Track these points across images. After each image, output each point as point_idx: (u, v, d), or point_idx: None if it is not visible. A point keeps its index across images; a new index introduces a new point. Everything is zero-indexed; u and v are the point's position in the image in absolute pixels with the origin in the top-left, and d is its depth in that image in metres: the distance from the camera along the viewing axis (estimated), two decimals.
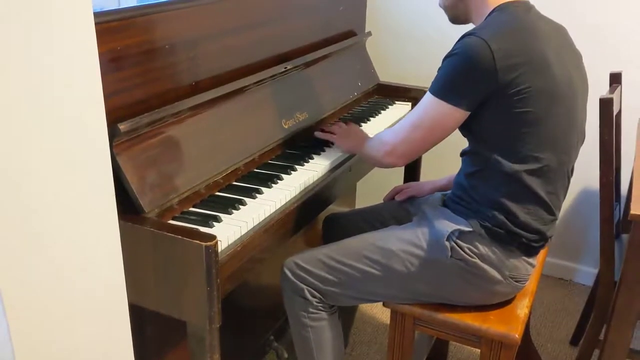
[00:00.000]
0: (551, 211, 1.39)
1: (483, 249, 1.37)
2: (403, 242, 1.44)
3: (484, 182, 1.38)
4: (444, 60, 1.35)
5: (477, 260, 1.37)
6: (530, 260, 1.43)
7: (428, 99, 1.36)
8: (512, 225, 1.35)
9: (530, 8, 1.39)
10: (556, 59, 1.32)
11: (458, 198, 1.45)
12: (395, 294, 1.46)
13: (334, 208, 2.05)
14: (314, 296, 1.48)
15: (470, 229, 1.37)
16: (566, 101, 1.35)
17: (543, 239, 1.41)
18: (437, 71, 1.36)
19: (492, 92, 1.29)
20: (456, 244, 1.38)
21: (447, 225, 1.39)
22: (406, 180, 2.22)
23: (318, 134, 1.76)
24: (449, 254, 1.38)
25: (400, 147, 1.44)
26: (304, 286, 1.48)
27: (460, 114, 1.33)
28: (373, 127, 1.90)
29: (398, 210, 1.72)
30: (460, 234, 1.38)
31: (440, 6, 1.49)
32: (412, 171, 2.22)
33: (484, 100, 1.30)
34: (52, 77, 0.82)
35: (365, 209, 1.82)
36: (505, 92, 1.28)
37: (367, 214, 1.77)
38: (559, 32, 1.43)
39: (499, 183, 1.35)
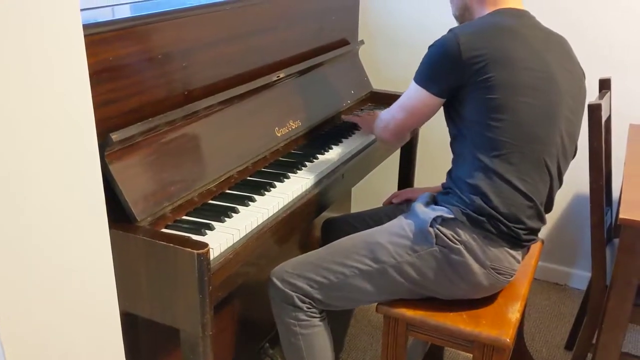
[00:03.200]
0: (529, 199, 1.41)
1: (464, 235, 1.40)
2: (390, 234, 1.48)
3: (463, 169, 1.44)
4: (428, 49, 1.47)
5: (461, 247, 1.40)
6: (514, 253, 1.44)
7: (411, 84, 1.52)
8: (490, 209, 1.38)
9: (520, 15, 1.46)
10: (531, 57, 1.40)
11: (445, 188, 1.51)
12: (385, 288, 1.48)
13: (329, 214, 2.07)
14: (304, 302, 1.50)
15: (452, 216, 1.41)
16: (538, 94, 1.39)
17: (527, 230, 1.43)
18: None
19: (464, 81, 1.40)
20: (440, 230, 1.41)
21: (429, 213, 1.44)
22: (400, 186, 2.25)
23: (346, 117, 1.99)
24: (434, 240, 1.41)
25: (390, 125, 1.62)
26: (293, 293, 1.49)
27: (434, 100, 1.47)
28: (367, 134, 1.92)
29: (393, 212, 1.75)
30: (443, 221, 1.42)
31: (453, 15, 1.62)
32: (405, 176, 2.24)
33: (456, 87, 1.42)
34: (41, 87, 0.83)
35: (363, 212, 1.86)
36: (475, 80, 1.38)
37: (365, 216, 1.81)
38: (553, 40, 1.48)
39: (475, 168, 1.41)
